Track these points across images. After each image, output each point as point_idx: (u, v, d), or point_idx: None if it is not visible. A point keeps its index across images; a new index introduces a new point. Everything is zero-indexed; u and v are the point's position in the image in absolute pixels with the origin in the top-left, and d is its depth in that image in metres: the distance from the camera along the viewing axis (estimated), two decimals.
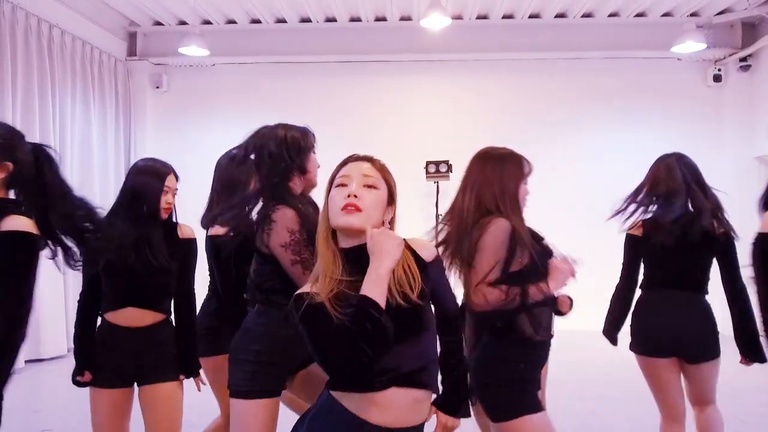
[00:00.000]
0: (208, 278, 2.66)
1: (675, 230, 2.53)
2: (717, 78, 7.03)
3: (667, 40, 6.72)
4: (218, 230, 2.42)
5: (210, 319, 2.59)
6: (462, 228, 2.15)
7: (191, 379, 2.41)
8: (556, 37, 7.20)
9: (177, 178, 2.48)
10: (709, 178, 7.42)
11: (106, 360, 2.26)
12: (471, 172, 2.30)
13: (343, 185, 1.63)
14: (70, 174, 6.02)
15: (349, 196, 1.58)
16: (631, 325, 2.69)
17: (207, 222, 2.60)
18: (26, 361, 5.04)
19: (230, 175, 2.71)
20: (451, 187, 7.03)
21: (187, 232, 2.44)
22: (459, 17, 7.05)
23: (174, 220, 2.45)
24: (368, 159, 1.78)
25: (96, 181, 6.42)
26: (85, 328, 2.33)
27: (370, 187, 1.65)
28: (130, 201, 2.32)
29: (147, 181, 2.34)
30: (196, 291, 2.49)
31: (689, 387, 2.62)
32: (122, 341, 2.26)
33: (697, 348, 2.54)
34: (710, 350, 2.54)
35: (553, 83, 7.30)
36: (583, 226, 6.38)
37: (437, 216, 6.62)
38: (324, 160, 7.98)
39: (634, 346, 2.65)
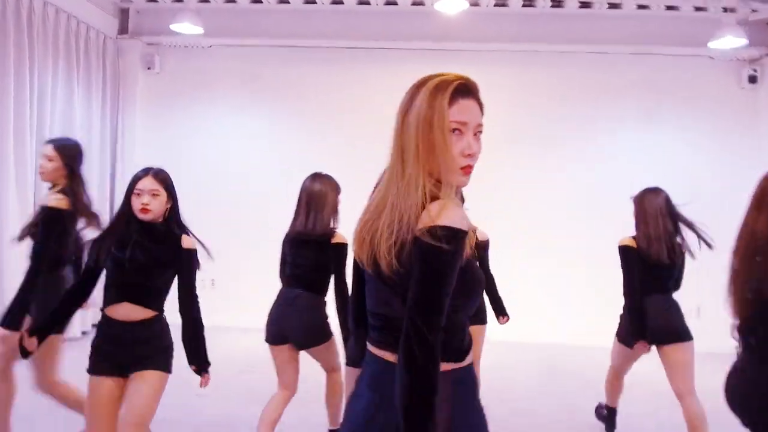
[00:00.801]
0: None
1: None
2: (752, 79, 6.50)
3: (699, 37, 6.21)
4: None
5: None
6: (752, 249, 2.03)
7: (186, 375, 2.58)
8: (579, 29, 6.68)
9: (164, 180, 2.65)
10: (742, 190, 6.88)
11: (105, 350, 2.46)
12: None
13: (460, 132, 1.40)
14: None
15: (470, 155, 1.40)
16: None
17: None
18: None
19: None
20: None
21: (188, 243, 2.58)
22: (476, 4, 6.52)
23: (178, 226, 2.62)
24: (476, 94, 1.53)
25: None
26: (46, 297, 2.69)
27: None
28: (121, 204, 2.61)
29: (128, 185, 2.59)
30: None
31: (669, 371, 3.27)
32: (119, 333, 2.45)
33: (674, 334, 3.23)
34: (684, 335, 3.24)
35: (573, 78, 6.78)
36: (597, 226, 5.95)
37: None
38: (326, 150, 7.47)
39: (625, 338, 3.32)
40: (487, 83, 6.54)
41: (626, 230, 4.57)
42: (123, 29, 6.86)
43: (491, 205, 5.89)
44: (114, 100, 6.70)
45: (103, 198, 6.44)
